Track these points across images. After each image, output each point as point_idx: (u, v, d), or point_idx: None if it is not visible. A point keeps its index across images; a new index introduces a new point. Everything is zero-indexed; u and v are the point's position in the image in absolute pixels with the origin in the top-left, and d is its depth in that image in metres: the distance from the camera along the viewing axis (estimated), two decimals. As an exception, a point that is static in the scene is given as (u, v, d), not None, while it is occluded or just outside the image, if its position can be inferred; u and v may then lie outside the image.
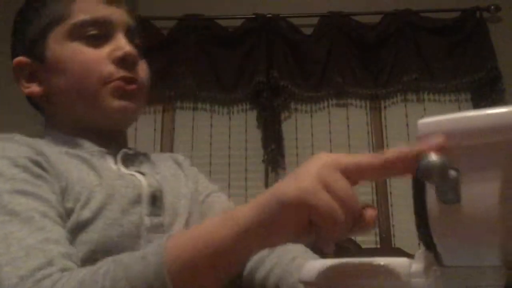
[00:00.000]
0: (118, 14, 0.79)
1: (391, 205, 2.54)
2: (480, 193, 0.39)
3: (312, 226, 0.46)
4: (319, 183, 0.44)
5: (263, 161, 2.59)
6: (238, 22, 2.75)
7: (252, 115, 2.69)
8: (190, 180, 0.87)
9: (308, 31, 2.75)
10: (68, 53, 0.76)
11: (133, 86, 0.78)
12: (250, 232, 0.47)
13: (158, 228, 0.73)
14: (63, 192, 0.67)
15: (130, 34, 0.80)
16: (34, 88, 0.79)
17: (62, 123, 0.80)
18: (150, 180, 0.77)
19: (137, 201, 0.73)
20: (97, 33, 0.77)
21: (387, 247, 2.37)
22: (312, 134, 2.67)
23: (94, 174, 0.71)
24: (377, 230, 2.51)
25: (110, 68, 0.76)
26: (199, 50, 2.68)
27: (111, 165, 0.77)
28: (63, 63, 0.76)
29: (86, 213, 0.66)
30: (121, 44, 0.77)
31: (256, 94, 2.64)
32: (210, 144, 2.67)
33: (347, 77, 2.63)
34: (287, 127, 2.67)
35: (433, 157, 0.39)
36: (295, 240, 0.50)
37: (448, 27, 2.69)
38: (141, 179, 0.76)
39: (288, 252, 0.75)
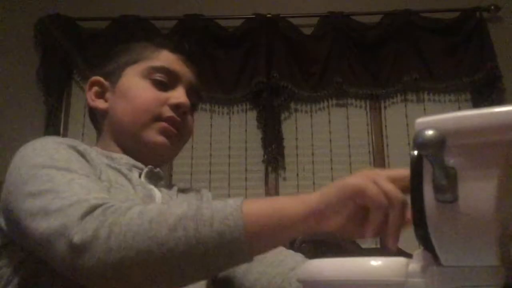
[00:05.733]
0: (187, 73, 0.95)
1: (391, 205, 2.54)
2: (477, 192, 0.39)
3: (362, 219, 0.58)
4: (370, 179, 0.57)
5: (263, 161, 2.59)
6: (238, 22, 2.74)
7: (252, 115, 2.69)
8: None
9: (308, 31, 2.75)
10: (138, 87, 0.92)
11: (176, 131, 0.91)
12: (316, 212, 0.59)
13: None
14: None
15: (189, 91, 0.95)
16: (100, 103, 0.94)
17: (105, 139, 0.94)
18: (164, 196, 0.89)
19: None
20: (164, 80, 0.92)
21: (387, 247, 2.36)
22: (312, 134, 2.67)
23: (124, 179, 0.83)
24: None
25: (164, 110, 0.90)
26: (199, 50, 2.68)
27: (136, 176, 0.88)
28: (130, 93, 0.92)
29: None
30: (180, 94, 0.92)
31: (256, 94, 2.63)
32: (210, 144, 2.67)
33: (347, 77, 2.63)
34: (287, 127, 2.67)
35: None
36: (347, 227, 0.59)
37: (448, 27, 2.69)
38: (155, 193, 0.87)
39: (287, 263, 0.84)
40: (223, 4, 2.81)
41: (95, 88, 0.95)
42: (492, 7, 2.70)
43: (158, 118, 0.90)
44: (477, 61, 2.60)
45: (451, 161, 0.40)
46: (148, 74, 0.92)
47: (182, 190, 0.99)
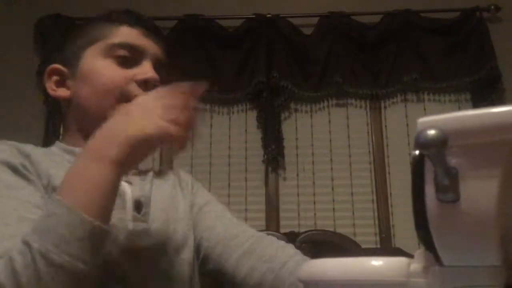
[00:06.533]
0: (151, 47, 0.89)
1: (391, 205, 2.54)
2: (479, 191, 0.39)
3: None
4: (154, 118, 0.65)
5: (263, 161, 2.59)
6: (238, 22, 2.75)
7: (252, 115, 2.69)
8: (186, 197, 0.94)
9: (308, 31, 2.75)
10: (99, 66, 0.85)
11: None
12: (122, 167, 0.63)
13: (143, 233, 0.80)
14: (46, 188, 0.74)
15: (157, 66, 0.88)
16: (62, 92, 0.88)
17: (72, 132, 0.89)
18: (135, 189, 0.84)
19: (121, 206, 0.79)
20: (127, 56, 0.86)
21: (387, 247, 2.37)
22: (312, 134, 2.67)
23: None
24: (377, 230, 2.51)
25: (131, 88, 0.84)
26: (199, 50, 2.68)
27: None
28: (92, 74, 0.85)
29: None
30: (147, 69, 0.86)
31: (256, 94, 2.64)
32: (210, 144, 2.67)
33: (347, 77, 2.63)
34: (287, 127, 2.67)
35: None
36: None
37: (448, 27, 2.69)
38: (125, 188, 0.83)
39: (278, 258, 0.82)
40: (223, 4, 2.81)
41: (55, 78, 0.89)
42: (492, 7, 2.70)
43: (125, 97, 0.82)
44: (477, 61, 2.60)
45: (453, 160, 0.40)
46: (110, 52, 0.85)
47: (158, 176, 0.94)
